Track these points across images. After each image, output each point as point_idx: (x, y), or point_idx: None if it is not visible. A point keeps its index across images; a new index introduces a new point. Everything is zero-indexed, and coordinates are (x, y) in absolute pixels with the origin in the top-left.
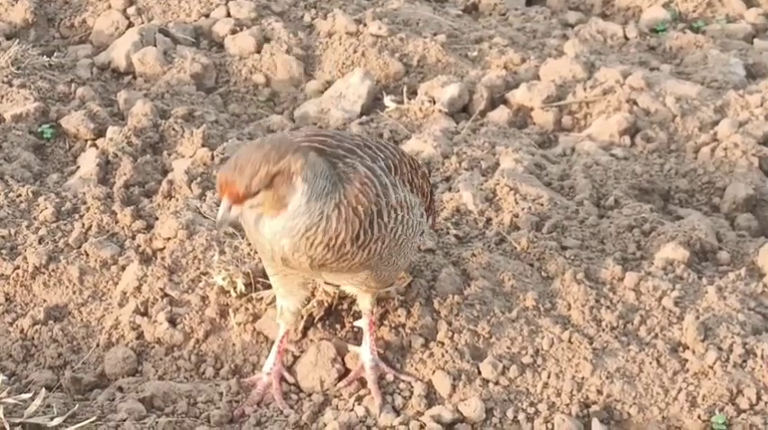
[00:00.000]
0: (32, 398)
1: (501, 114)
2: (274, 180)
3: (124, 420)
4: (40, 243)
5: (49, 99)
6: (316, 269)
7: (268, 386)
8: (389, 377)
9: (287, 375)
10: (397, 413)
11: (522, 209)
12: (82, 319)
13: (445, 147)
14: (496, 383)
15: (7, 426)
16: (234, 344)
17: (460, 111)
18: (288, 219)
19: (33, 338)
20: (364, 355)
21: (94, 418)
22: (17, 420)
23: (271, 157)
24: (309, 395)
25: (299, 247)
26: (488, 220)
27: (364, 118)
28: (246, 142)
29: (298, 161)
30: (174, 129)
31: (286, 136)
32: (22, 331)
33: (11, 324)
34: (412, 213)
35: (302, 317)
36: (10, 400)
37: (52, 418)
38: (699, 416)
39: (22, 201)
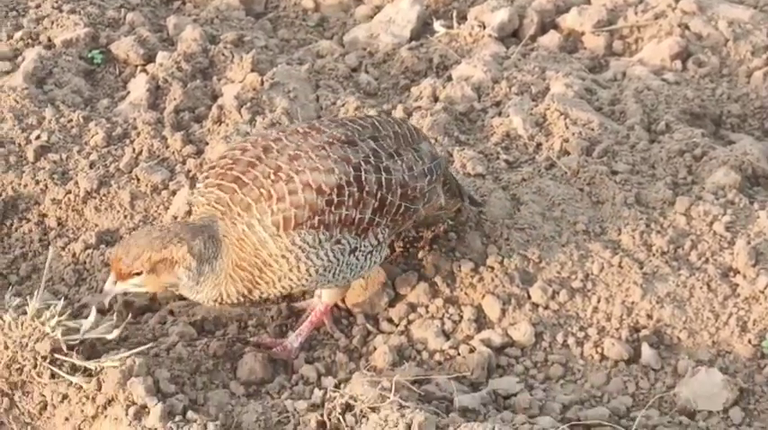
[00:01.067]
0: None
1: (551, 39)
2: (156, 266)
3: (175, 343)
4: (91, 168)
5: (98, 24)
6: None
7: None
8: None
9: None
10: (447, 337)
11: (573, 133)
12: None
13: (495, 72)
14: (546, 308)
15: (64, 347)
16: None
17: (510, 35)
18: (189, 293)
19: (85, 262)
20: (289, 340)
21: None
22: (75, 337)
23: (155, 245)
24: (359, 319)
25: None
26: (538, 145)
27: (413, 43)
28: (295, 67)
29: (179, 251)
30: (223, 54)
31: (183, 224)
32: (74, 255)
33: (63, 248)
34: (319, 249)
35: None
36: (71, 323)
37: (110, 332)
38: (749, 341)
39: (73, 127)
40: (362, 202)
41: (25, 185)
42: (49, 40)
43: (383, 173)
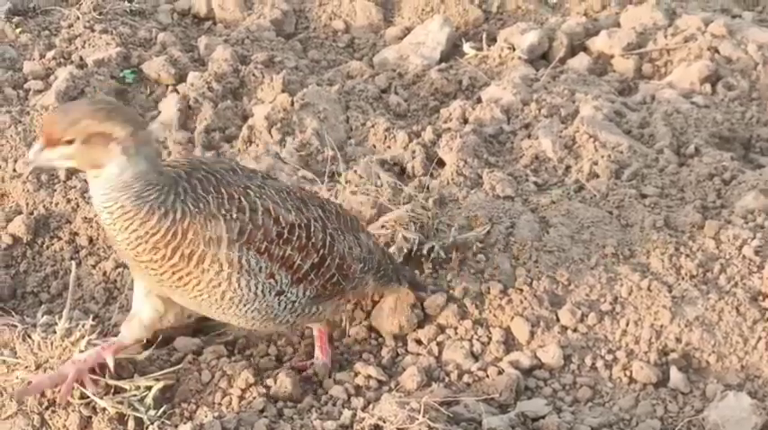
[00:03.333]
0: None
1: (581, 61)
2: (92, 138)
3: (208, 361)
4: None
5: (130, 44)
6: (148, 273)
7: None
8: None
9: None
10: (476, 358)
11: (602, 156)
12: None
13: (524, 94)
14: (575, 330)
15: (96, 367)
16: None
17: (540, 58)
18: (104, 189)
19: (116, 281)
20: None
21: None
22: None
23: (98, 115)
24: (388, 341)
25: (116, 226)
26: (567, 168)
27: (443, 65)
28: (325, 88)
29: (124, 130)
30: (254, 74)
31: (133, 111)
32: (104, 274)
33: (94, 266)
34: (251, 278)
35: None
36: (98, 342)
37: (140, 353)
38: None
39: None
40: (306, 251)
41: (57, 204)
42: (81, 59)
43: (329, 236)
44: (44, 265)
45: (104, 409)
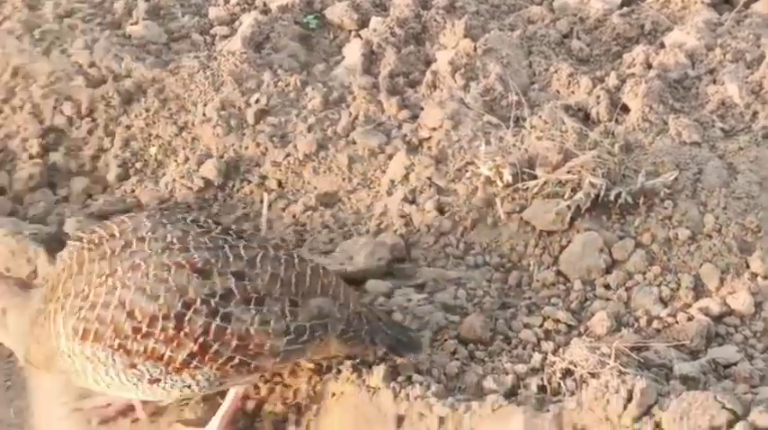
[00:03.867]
0: None
1: (765, 5)
2: None
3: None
4: (309, 131)
5: None
6: None
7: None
8: None
9: None
10: (665, 304)
11: None
12: (351, 206)
13: (708, 38)
14: (765, 277)
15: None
16: (501, 234)
17: (723, 2)
18: None
19: (305, 224)
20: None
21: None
22: None
23: None
24: (576, 285)
25: None
26: (755, 114)
27: (624, 9)
28: (506, 33)
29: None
30: (435, 20)
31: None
32: (294, 216)
33: (283, 209)
34: (110, 367)
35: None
36: None
37: None
38: None
39: (290, 91)
40: (177, 342)
41: (246, 148)
42: (265, 5)
43: (218, 319)
44: (235, 208)
45: None
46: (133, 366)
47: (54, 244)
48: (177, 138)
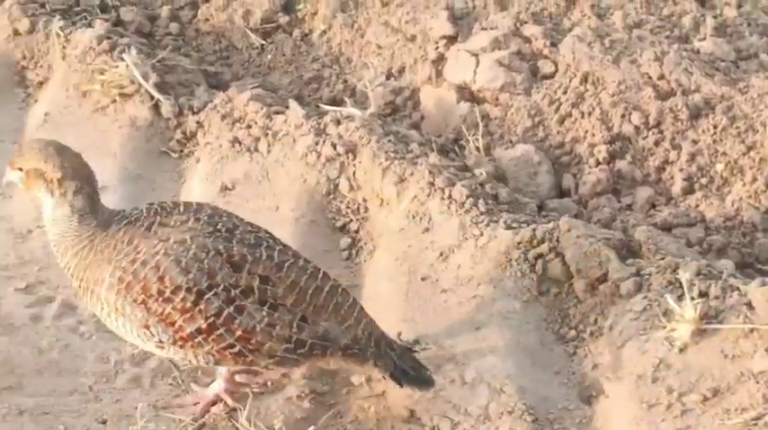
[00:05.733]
0: None
1: None
2: (30, 172)
3: None
4: None
5: None
6: None
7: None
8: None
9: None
10: None
11: None
12: None
13: None
14: None
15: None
16: None
17: None
18: (45, 217)
19: None
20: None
21: None
22: None
23: (39, 155)
24: None
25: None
26: None
27: None
28: None
29: (56, 174)
30: None
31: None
32: None
33: None
34: (126, 320)
35: None
36: None
37: None
38: None
39: None
40: (191, 314)
41: None
42: None
43: (231, 308)
44: None
45: None
46: (146, 326)
47: (623, 250)
48: (744, 157)
